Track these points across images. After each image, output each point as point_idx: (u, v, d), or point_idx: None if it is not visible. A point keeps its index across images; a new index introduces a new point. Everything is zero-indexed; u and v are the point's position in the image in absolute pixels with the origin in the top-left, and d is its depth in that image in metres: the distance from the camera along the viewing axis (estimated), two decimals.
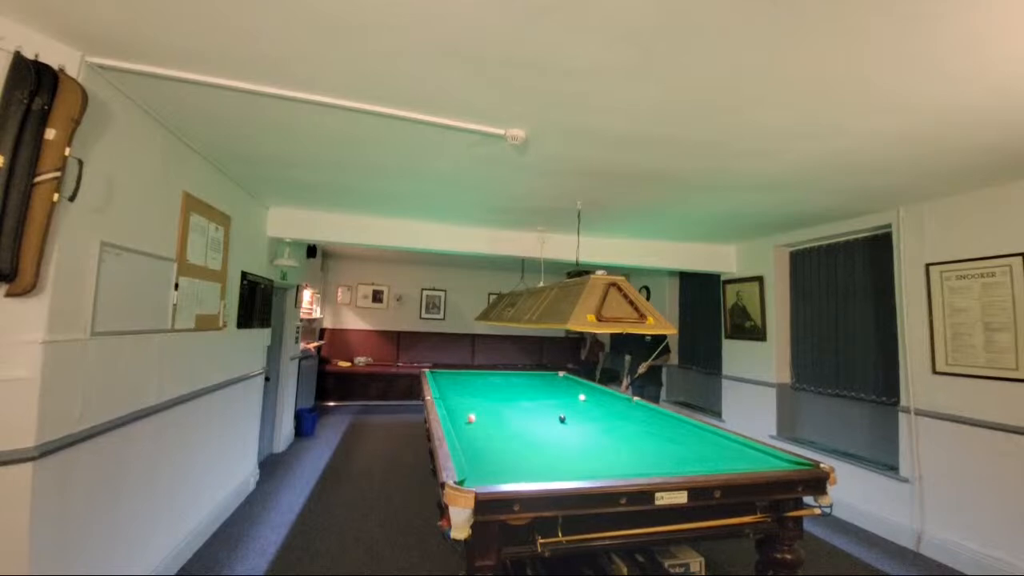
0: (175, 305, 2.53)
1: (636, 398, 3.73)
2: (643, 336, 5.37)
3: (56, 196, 1.62)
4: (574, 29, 1.53)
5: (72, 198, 1.73)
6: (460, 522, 1.54)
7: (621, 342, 6.12)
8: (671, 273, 6.74)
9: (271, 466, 4.45)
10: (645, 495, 1.74)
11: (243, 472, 3.76)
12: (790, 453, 2.23)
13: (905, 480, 3.33)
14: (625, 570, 2.16)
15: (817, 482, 1.98)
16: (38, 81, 1.59)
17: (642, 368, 5.51)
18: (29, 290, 1.61)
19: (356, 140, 2.55)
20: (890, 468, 3.49)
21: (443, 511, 1.60)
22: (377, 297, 8.31)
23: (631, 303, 2.43)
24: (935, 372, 3.21)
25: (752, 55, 1.64)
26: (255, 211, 3.88)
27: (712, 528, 1.93)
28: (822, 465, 2.03)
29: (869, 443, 3.88)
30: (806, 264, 4.57)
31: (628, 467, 2.03)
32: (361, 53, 1.71)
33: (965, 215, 3.12)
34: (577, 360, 8.51)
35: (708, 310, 6.02)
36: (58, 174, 1.62)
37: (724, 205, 3.62)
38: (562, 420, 2.91)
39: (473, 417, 2.83)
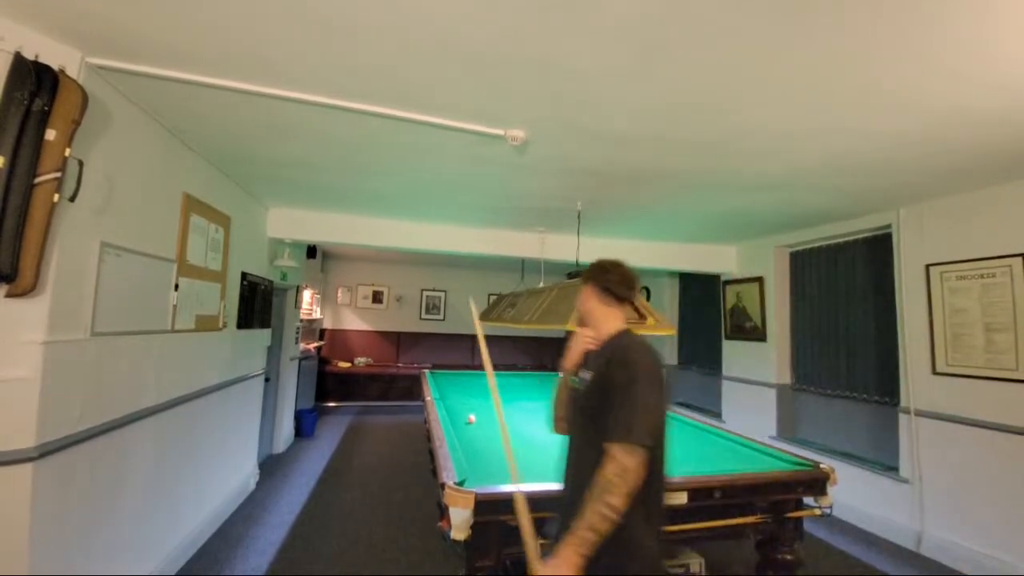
0: (175, 306, 2.53)
1: None
2: None
3: (56, 197, 1.62)
4: (574, 29, 1.53)
5: (72, 199, 1.73)
6: (460, 522, 1.54)
7: None
8: (671, 273, 6.73)
9: (271, 466, 4.45)
10: None
11: (243, 472, 3.76)
12: (790, 454, 2.23)
13: (905, 480, 3.33)
14: None
15: (817, 483, 1.99)
16: (38, 82, 1.59)
17: None
18: (29, 290, 1.61)
19: (356, 141, 2.55)
20: (890, 469, 3.49)
21: (443, 512, 1.60)
22: (377, 298, 8.30)
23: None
24: (935, 372, 3.21)
25: (753, 55, 1.64)
26: (255, 212, 3.88)
27: (712, 528, 1.93)
28: (822, 466, 2.03)
29: (869, 444, 3.87)
30: (806, 264, 4.57)
31: None
32: (361, 54, 1.71)
33: (965, 215, 3.11)
34: None
35: (708, 310, 6.01)
36: (58, 175, 1.62)
37: (724, 205, 3.62)
38: None
39: (473, 418, 2.83)
